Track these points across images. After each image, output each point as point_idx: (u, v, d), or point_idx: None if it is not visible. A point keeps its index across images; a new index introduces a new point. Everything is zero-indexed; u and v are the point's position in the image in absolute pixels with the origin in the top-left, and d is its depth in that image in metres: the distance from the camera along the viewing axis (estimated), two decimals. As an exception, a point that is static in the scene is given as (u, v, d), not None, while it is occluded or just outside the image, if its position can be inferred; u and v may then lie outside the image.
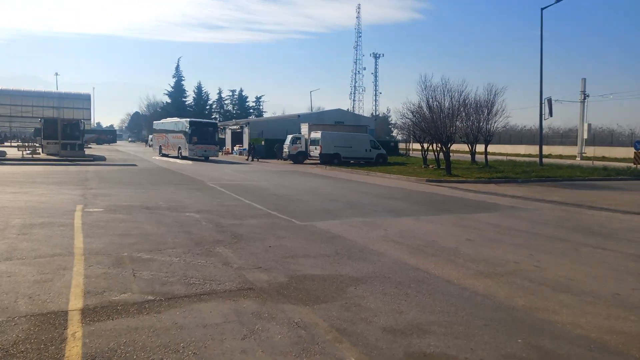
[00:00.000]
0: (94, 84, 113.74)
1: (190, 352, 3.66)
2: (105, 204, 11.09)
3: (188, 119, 37.27)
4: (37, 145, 32.88)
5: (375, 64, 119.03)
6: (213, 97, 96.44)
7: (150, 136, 58.06)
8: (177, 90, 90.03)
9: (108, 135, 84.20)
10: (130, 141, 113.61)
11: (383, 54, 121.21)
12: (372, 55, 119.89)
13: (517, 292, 5.49)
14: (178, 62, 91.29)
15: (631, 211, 12.49)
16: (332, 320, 4.43)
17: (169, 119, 43.37)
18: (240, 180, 18.88)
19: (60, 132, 31.14)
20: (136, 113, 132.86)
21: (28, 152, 30.50)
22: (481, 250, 7.55)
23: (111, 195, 12.88)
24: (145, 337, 3.90)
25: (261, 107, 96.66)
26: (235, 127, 54.69)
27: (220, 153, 53.23)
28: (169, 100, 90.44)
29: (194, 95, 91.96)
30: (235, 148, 50.11)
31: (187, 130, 35.08)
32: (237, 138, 52.85)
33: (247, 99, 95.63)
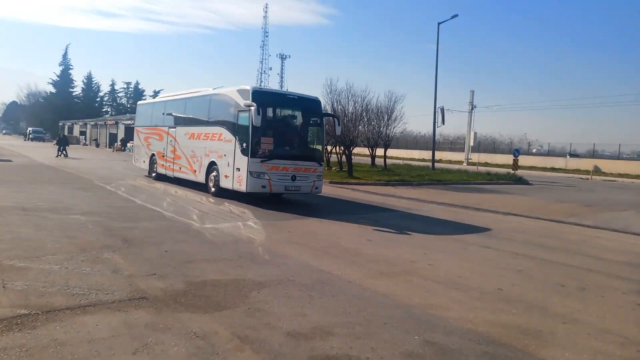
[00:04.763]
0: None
1: (70, 373, 3.25)
2: (-30, 205, 9.66)
3: (247, 87, 12.47)
4: None
5: (282, 65, 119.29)
6: (105, 88, 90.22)
7: (131, 142, 33.40)
8: (64, 80, 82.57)
9: None
10: (4, 133, 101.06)
11: (290, 56, 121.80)
12: (278, 55, 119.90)
13: (414, 290, 5.74)
14: (66, 49, 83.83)
15: (510, 212, 13.84)
16: (234, 327, 4.23)
17: (182, 93, 17.37)
18: (132, 179, 17.67)
19: None
20: (13, 103, 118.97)
21: None
22: (381, 251, 7.81)
23: (-21, 194, 11.27)
24: (15, 359, 3.38)
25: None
26: (129, 122, 51.47)
27: (112, 148, 49.38)
28: (53, 90, 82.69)
29: (83, 86, 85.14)
30: (128, 145, 47.13)
31: (243, 115, 12.29)
32: (131, 134, 49.85)
33: (144, 93, 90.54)
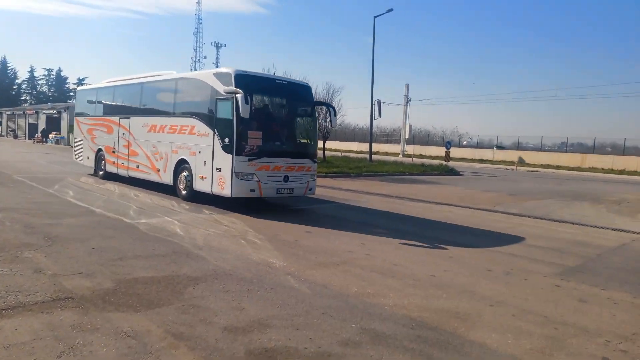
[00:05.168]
0: None
1: (-17, 384, 2.99)
2: None
3: (227, 70, 10.33)
4: None
5: (217, 54, 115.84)
6: (23, 75, 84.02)
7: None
8: (-25, 65, 75.83)
9: None
10: None
11: (225, 44, 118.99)
12: (213, 44, 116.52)
13: (351, 279, 5.83)
14: (-24, 31, 76.73)
15: (442, 202, 14.45)
16: (168, 325, 4.09)
17: (137, 76, 14.69)
18: (75, 177, 16.58)
19: None
20: None
21: None
22: (320, 242, 7.86)
23: None
24: None
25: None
26: (51, 111, 48.28)
27: (32, 140, 46.06)
28: (-39, 76, 75.70)
29: (-3, 73, 78.61)
30: (50, 136, 44.32)
31: (223, 104, 10.27)
32: (53, 124, 46.84)
33: (67, 80, 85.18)
